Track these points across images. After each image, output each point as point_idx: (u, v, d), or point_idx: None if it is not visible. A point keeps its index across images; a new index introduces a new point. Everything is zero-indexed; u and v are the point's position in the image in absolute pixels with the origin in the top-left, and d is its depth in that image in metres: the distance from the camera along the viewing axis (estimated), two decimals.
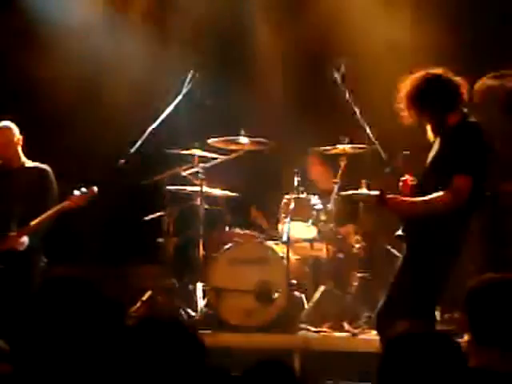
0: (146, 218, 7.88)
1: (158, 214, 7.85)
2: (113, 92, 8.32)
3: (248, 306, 7.26)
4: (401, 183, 5.55)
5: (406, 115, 5.42)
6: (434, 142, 5.46)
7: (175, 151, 7.71)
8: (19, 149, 6.88)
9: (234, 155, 7.88)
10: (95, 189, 6.77)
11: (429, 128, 5.47)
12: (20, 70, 8.36)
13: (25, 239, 6.71)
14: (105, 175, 7.55)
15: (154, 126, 7.62)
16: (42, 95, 8.40)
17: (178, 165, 7.78)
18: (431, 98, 5.35)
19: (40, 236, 6.80)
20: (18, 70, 8.38)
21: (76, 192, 6.72)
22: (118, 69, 8.34)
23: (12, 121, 6.87)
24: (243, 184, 8.03)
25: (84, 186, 6.73)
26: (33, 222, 6.68)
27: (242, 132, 7.72)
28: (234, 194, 7.93)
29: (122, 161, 7.52)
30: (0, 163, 6.89)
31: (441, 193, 5.20)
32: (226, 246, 7.49)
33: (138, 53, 8.46)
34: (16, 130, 6.85)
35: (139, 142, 7.57)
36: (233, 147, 7.84)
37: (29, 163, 6.94)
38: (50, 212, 6.70)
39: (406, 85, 5.42)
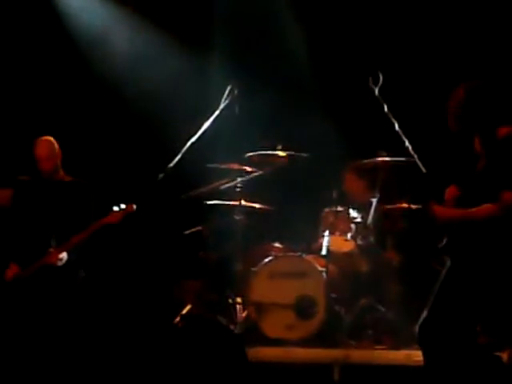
0: (186, 232, 7.91)
1: (198, 228, 7.88)
2: (153, 106, 8.39)
3: (288, 319, 7.27)
4: (446, 193, 5.50)
5: (454, 126, 5.33)
6: (481, 153, 5.38)
7: (214, 165, 7.74)
8: (59, 163, 6.95)
9: (272, 169, 7.89)
10: (134, 206, 6.80)
11: (477, 140, 5.39)
12: (61, 84, 8.50)
13: (64, 255, 6.76)
14: (145, 189, 7.59)
15: (193, 140, 7.65)
16: (82, 108, 8.52)
17: (216, 179, 7.81)
18: (481, 109, 5.26)
19: (78, 250, 6.86)
20: (59, 84, 8.51)
21: (115, 208, 6.76)
22: (158, 82, 8.42)
23: (51, 135, 6.96)
24: (282, 197, 8.03)
25: (123, 202, 6.77)
26: (73, 238, 6.74)
27: (280, 146, 7.74)
28: (272, 208, 7.93)
29: (162, 175, 7.55)
30: (40, 176, 6.95)
31: (487, 205, 5.16)
32: (266, 260, 7.51)
33: (178, 66, 8.52)
34: (56, 144, 6.94)
35: (178, 156, 7.60)
36: (271, 161, 7.84)
37: (68, 178, 7.00)
38: (89, 228, 6.75)
39: (456, 95, 5.32)
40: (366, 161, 7.65)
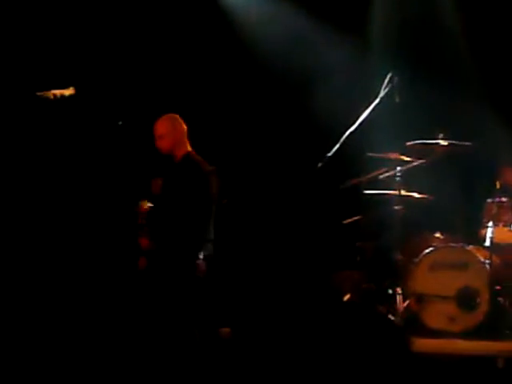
0: (345, 222, 7.89)
1: (357, 217, 7.84)
2: (313, 94, 8.40)
3: (450, 311, 7.17)
4: None
5: None
6: None
7: (373, 154, 7.67)
8: (178, 141, 6.65)
9: (432, 158, 7.75)
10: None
11: None
12: (226, 77, 8.64)
13: None
14: (304, 179, 7.62)
15: (352, 129, 7.59)
16: (243, 97, 8.63)
17: (376, 168, 7.75)
18: None
19: None
20: (221, 75, 8.65)
21: None
22: (317, 72, 8.42)
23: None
24: (443, 187, 7.89)
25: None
26: None
27: (441, 135, 7.60)
28: (432, 198, 7.79)
29: (321, 164, 7.53)
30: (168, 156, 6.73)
31: None
32: (426, 251, 7.40)
33: (337, 55, 8.49)
34: (177, 122, 6.69)
35: (337, 146, 7.56)
36: (432, 150, 7.71)
37: (191, 159, 6.67)
38: None
39: None
40: None
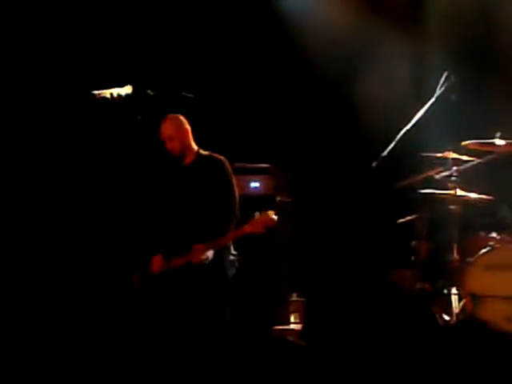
0: (400, 221, 7.85)
1: (412, 217, 7.80)
2: (365, 94, 8.38)
3: (507, 311, 7.09)
4: None
5: None
6: None
7: (429, 154, 7.63)
8: (187, 142, 6.69)
9: (489, 158, 7.68)
10: (275, 217, 6.35)
11: None
12: (278, 77, 8.67)
13: (210, 254, 6.43)
14: (358, 178, 7.60)
15: (406, 128, 7.56)
16: (299, 99, 8.65)
17: (431, 168, 7.69)
18: None
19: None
20: (274, 77, 8.68)
21: (256, 215, 6.35)
22: (371, 70, 8.41)
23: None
24: (500, 187, 7.81)
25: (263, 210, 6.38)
26: (218, 239, 6.40)
27: (498, 134, 7.52)
28: (489, 198, 7.72)
29: (375, 163, 7.51)
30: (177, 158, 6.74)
31: None
32: (482, 251, 7.33)
33: (391, 54, 8.47)
34: (183, 122, 6.72)
35: (392, 145, 7.53)
36: (489, 150, 7.64)
37: (211, 155, 6.68)
38: (231, 235, 6.43)
39: None
40: None
